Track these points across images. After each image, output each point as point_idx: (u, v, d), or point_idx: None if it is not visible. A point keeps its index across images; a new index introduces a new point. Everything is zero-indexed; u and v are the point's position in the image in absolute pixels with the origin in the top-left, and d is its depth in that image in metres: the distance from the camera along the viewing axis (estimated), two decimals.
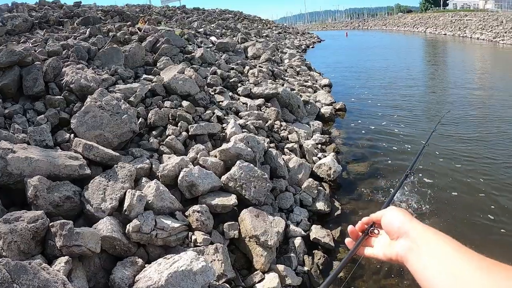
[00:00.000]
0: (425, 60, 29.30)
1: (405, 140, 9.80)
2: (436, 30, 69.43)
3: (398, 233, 0.97)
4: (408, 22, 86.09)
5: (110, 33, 10.57)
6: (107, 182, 4.45)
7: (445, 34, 63.78)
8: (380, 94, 15.66)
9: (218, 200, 4.96)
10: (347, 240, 1.13)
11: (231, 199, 5.05)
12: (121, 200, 4.34)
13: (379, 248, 1.07)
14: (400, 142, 9.67)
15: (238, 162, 5.51)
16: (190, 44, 12.58)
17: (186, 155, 5.81)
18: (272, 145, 7.57)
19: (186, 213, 4.67)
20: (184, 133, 6.46)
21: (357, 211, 6.46)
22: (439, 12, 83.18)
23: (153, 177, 5.06)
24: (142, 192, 4.43)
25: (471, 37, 54.57)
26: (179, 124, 6.59)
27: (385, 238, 1.06)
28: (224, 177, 5.34)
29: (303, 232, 5.26)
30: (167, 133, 6.36)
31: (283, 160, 6.89)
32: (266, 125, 8.47)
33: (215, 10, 37.71)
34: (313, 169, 7.38)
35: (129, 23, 13.10)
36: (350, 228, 1.14)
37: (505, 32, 52.97)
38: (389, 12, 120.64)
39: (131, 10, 19.38)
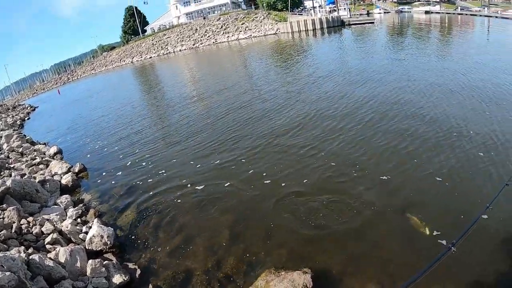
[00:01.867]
0: (141, 88, 30.99)
1: (159, 165, 10.42)
2: (142, 57, 73.87)
3: None
4: (114, 58, 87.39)
5: None
6: None
7: (150, 57, 68.72)
8: (113, 137, 15.65)
9: None
10: None
11: None
12: None
13: None
14: (156, 169, 10.18)
15: None
16: None
17: None
18: (30, 250, 6.49)
19: None
20: None
21: (153, 256, 6.50)
22: (140, 40, 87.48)
23: None
24: None
25: (174, 52, 60.91)
26: None
27: None
28: None
29: None
30: None
31: (51, 259, 6.04)
32: (13, 231, 7.18)
33: None
34: (87, 247, 6.78)
35: None
36: None
37: (201, 37, 62.04)
38: (93, 55, 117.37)
39: None
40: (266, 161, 9.62)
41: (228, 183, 8.64)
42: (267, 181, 8.51)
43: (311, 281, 5.33)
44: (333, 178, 8.29)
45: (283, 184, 8.28)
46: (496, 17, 59.00)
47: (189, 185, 8.96)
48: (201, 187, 8.73)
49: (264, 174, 8.90)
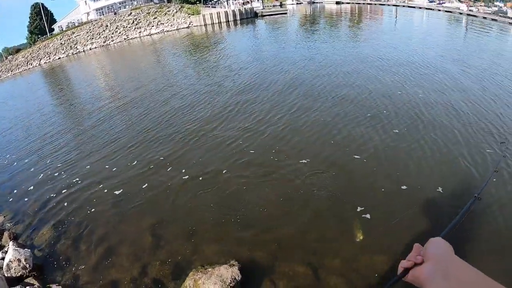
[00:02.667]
0: (52, 93, 28.59)
1: (74, 174, 9.97)
2: (50, 58, 67.33)
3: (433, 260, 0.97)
4: (21, 61, 78.28)
5: None
6: None
7: (59, 58, 63.32)
8: (23, 150, 14.27)
9: None
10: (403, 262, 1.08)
11: None
12: None
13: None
14: (71, 180, 9.75)
15: None
16: None
17: None
18: None
19: None
20: None
21: (77, 273, 6.22)
22: (47, 40, 79.24)
23: None
24: None
25: (84, 51, 56.74)
26: None
27: None
28: None
29: None
30: None
31: None
32: None
33: None
34: (6, 275, 6.29)
35: None
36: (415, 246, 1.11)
37: (112, 34, 58.60)
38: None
39: None
40: (185, 158, 9.67)
41: (146, 185, 8.52)
42: (186, 177, 8.58)
43: (239, 273, 5.50)
44: (253, 167, 8.62)
45: (200, 179, 8.41)
46: (403, 6, 64.82)
47: (106, 191, 8.67)
48: (119, 192, 8.49)
49: (183, 170, 8.94)
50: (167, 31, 51.11)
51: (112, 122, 14.53)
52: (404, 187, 7.09)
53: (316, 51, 22.19)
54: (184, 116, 13.33)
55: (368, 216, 6.46)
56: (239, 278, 5.45)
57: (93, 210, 7.98)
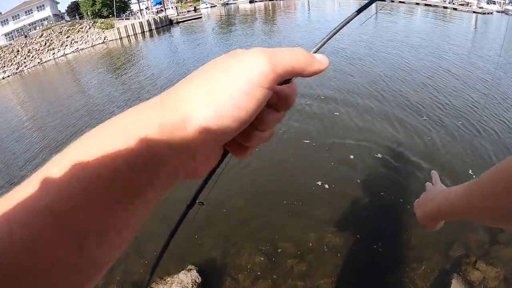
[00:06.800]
0: None
1: None
2: None
3: None
4: None
5: None
6: None
7: None
8: None
9: None
10: None
11: None
12: None
13: None
14: None
15: None
16: None
17: None
18: None
19: None
20: None
21: None
22: None
23: None
24: None
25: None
26: None
27: None
28: None
29: None
30: None
31: None
32: None
33: None
34: None
35: None
36: None
37: (25, 59, 54.04)
38: None
39: None
40: None
41: None
42: None
43: (198, 276, 5.58)
44: None
45: None
46: None
47: None
48: None
49: None
50: (82, 49, 48.61)
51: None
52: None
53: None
54: None
55: (326, 186, 7.12)
56: (200, 281, 5.54)
57: None
